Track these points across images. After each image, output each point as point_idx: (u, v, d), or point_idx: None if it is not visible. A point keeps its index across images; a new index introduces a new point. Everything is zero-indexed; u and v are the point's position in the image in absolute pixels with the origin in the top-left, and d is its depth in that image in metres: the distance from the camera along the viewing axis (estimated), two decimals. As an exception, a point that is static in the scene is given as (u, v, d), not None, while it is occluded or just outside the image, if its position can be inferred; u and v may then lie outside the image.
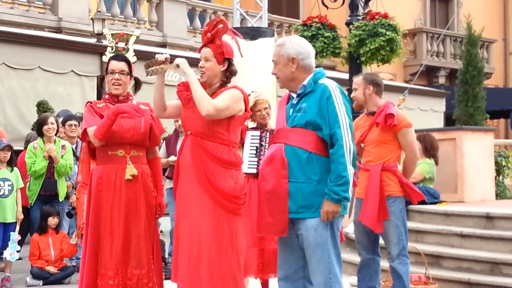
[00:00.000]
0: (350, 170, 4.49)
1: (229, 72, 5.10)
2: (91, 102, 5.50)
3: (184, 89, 5.09)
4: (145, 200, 5.31)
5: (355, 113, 9.19)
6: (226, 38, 5.15)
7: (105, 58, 5.62)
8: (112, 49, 5.58)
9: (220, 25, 5.09)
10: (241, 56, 5.29)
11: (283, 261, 4.72)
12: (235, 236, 4.95)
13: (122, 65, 5.40)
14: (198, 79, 5.01)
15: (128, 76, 5.43)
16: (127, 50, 5.57)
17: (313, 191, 4.49)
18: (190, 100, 5.00)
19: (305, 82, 4.65)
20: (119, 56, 5.53)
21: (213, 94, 4.99)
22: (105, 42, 5.66)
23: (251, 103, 6.41)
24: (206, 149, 4.93)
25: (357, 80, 6.21)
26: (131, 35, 5.61)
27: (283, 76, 4.68)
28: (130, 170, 5.21)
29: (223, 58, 5.07)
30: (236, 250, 4.96)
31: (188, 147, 5.00)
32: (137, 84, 5.63)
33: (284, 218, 4.51)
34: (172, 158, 9.11)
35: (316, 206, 4.50)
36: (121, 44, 5.62)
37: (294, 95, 4.71)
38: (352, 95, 6.11)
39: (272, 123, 6.28)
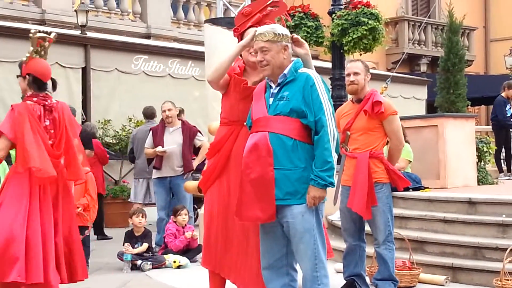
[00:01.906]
0: (334, 156, 4.57)
1: None
2: None
3: (245, 82, 5.10)
4: None
5: (338, 101, 9.34)
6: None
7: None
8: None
9: (277, 6, 5.08)
10: None
11: (266, 250, 4.77)
12: None
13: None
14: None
15: (21, 78, 5.67)
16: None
17: (299, 177, 4.55)
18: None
19: (285, 71, 4.70)
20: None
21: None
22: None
23: None
24: None
25: (358, 65, 6.23)
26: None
27: (276, 63, 4.68)
28: None
29: None
30: None
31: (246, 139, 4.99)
32: (54, 84, 5.91)
33: (271, 205, 4.55)
34: (160, 148, 9.18)
35: (302, 193, 4.56)
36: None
37: (273, 85, 4.74)
38: (352, 79, 6.15)
39: None
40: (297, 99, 4.59)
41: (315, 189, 4.54)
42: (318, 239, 4.61)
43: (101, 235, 11.05)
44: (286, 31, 4.76)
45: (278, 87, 4.71)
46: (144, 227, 8.61)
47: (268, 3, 5.16)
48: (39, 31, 5.77)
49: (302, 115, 4.57)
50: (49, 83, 5.79)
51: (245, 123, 5.00)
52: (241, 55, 5.22)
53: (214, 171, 5.24)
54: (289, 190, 4.56)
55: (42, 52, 5.73)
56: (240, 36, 5.20)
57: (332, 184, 4.57)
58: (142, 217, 8.53)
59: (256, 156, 4.58)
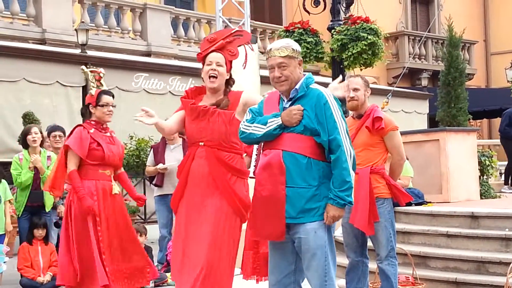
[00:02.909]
0: (352, 174, 4.53)
1: (232, 81, 5.21)
2: (83, 126, 6.57)
3: (196, 101, 5.19)
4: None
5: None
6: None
7: (92, 92, 6.76)
8: (94, 84, 6.52)
9: (240, 35, 5.18)
10: (244, 68, 5.40)
11: (275, 266, 4.73)
12: (237, 242, 5.17)
13: (111, 100, 6.64)
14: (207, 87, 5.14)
15: None
16: (102, 85, 6.48)
17: (312, 196, 4.51)
18: (207, 111, 5.06)
19: (297, 86, 4.64)
20: (109, 92, 6.80)
21: (227, 107, 5.06)
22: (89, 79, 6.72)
23: None
24: (223, 159, 5.08)
25: (358, 81, 6.19)
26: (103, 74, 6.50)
27: (294, 78, 4.63)
28: (115, 188, 6.54)
29: (230, 67, 5.17)
30: (235, 254, 5.18)
31: (202, 158, 5.11)
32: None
33: (281, 223, 4.52)
34: (161, 166, 9.17)
35: (315, 210, 4.52)
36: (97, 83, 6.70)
37: (285, 99, 4.69)
38: (352, 95, 6.10)
39: None
40: (310, 117, 4.53)
41: (334, 208, 4.50)
42: (329, 255, 4.58)
43: None
44: (299, 47, 4.74)
45: (290, 102, 4.65)
46: (145, 244, 8.58)
47: (232, 32, 5.22)
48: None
49: (315, 133, 4.53)
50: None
51: (200, 143, 5.14)
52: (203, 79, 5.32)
53: (178, 192, 5.31)
54: (302, 208, 4.52)
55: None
56: (202, 60, 5.27)
57: (351, 203, 4.54)
58: (141, 236, 8.49)
59: (268, 174, 4.55)
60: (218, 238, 5.05)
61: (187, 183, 5.21)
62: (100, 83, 6.87)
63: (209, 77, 5.18)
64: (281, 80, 4.63)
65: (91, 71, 6.84)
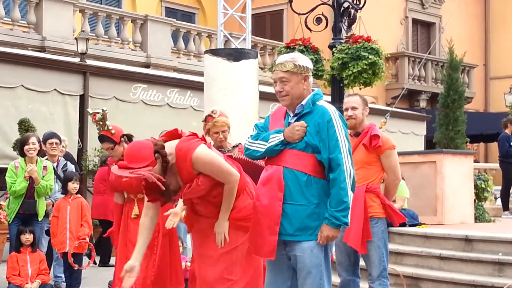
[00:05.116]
0: (350, 195, 4.49)
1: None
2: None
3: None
4: None
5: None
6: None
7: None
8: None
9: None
10: None
11: (270, 282, 4.70)
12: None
13: (105, 145, 6.50)
14: None
15: (115, 146, 6.46)
16: (106, 126, 6.49)
17: (310, 214, 4.47)
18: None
19: (303, 102, 4.59)
20: (100, 137, 6.55)
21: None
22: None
23: (209, 125, 6.35)
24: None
25: (356, 99, 6.15)
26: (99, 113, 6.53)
27: (295, 94, 4.57)
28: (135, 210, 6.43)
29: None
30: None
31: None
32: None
33: (272, 241, 4.48)
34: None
35: (313, 229, 4.48)
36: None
37: (291, 114, 4.65)
38: (350, 114, 6.05)
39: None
40: (312, 134, 4.50)
41: (329, 228, 4.45)
42: (325, 274, 4.53)
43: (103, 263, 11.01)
44: (307, 63, 4.64)
45: (296, 118, 4.61)
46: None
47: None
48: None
49: (317, 150, 4.49)
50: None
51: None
52: None
53: None
54: (300, 226, 4.48)
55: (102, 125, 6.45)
56: None
57: (346, 224, 4.49)
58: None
59: (267, 189, 4.53)
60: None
61: None
62: (103, 123, 6.61)
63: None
64: (282, 95, 4.60)
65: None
